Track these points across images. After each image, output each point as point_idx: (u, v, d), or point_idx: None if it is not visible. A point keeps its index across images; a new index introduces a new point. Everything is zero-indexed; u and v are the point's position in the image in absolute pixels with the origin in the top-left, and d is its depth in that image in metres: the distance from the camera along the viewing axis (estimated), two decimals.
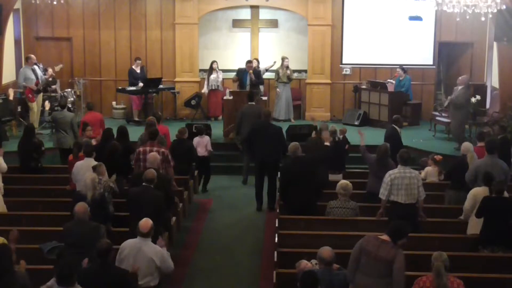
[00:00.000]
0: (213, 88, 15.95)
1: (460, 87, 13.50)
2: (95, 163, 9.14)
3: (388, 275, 6.18)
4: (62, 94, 15.09)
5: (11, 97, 14.23)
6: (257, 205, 11.24)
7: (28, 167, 10.91)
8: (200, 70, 16.73)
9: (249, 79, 14.83)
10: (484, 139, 10.01)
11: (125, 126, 11.22)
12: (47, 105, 14.71)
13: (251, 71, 14.97)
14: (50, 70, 15.00)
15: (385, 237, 6.33)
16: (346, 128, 12.37)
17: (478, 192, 8.36)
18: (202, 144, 11.93)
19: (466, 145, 9.91)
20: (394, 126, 11.54)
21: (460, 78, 13.81)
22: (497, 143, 9.61)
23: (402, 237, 6.30)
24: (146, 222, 6.87)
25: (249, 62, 15.29)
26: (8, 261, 5.95)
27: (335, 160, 10.69)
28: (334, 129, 11.23)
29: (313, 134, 11.52)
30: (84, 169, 8.91)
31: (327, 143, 10.90)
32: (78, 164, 9.21)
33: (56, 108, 14.60)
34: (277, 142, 11.01)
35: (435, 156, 10.81)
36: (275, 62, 15.91)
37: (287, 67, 15.86)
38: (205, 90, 16.07)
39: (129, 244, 6.84)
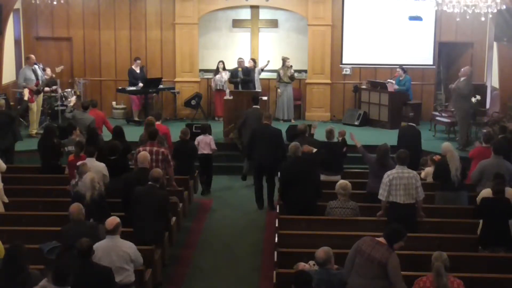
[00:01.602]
0: (218, 88, 15.96)
1: (462, 79, 13.49)
2: (97, 163, 9.14)
3: (381, 277, 6.18)
4: (62, 94, 15.07)
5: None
6: (257, 207, 11.28)
7: (49, 166, 10.92)
8: (200, 70, 16.74)
9: (238, 76, 14.99)
10: (490, 141, 9.94)
11: (121, 126, 11.23)
12: (73, 100, 14.62)
13: (240, 68, 15.07)
14: (48, 71, 14.96)
15: (381, 239, 6.34)
16: (345, 129, 12.16)
17: (487, 193, 8.25)
18: (205, 142, 11.90)
19: (446, 145, 9.82)
20: (413, 124, 11.51)
21: (462, 69, 13.83)
22: (504, 145, 9.57)
23: (398, 240, 6.31)
24: (112, 220, 6.89)
25: (239, 58, 15.46)
26: (23, 261, 5.96)
27: (333, 161, 10.50)
28: (331, 129, 10.85)
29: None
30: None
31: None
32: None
33: (56, 107, 14.67)
34: (276, 145, 10.97)
35: (435, 157, 10.78)
36: (269, 61, 15.80)
37: (290, 67, 15.80)
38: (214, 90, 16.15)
39: (100, 246, 6.77)
